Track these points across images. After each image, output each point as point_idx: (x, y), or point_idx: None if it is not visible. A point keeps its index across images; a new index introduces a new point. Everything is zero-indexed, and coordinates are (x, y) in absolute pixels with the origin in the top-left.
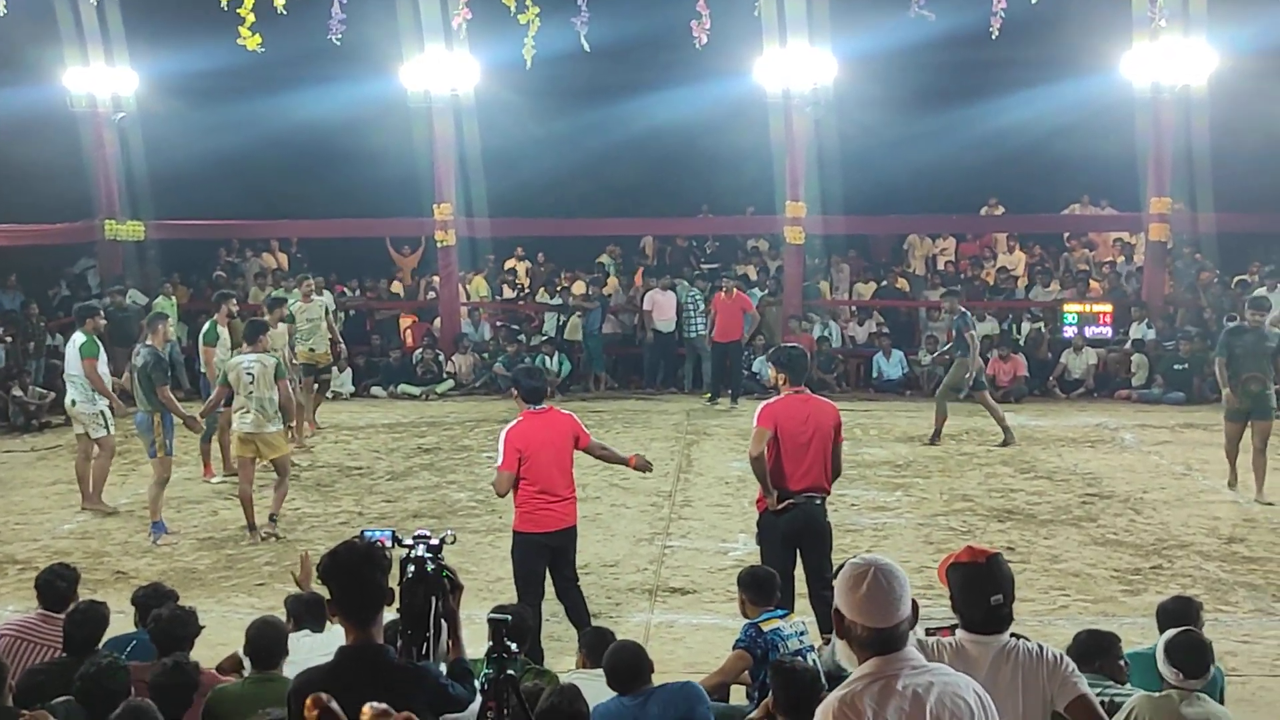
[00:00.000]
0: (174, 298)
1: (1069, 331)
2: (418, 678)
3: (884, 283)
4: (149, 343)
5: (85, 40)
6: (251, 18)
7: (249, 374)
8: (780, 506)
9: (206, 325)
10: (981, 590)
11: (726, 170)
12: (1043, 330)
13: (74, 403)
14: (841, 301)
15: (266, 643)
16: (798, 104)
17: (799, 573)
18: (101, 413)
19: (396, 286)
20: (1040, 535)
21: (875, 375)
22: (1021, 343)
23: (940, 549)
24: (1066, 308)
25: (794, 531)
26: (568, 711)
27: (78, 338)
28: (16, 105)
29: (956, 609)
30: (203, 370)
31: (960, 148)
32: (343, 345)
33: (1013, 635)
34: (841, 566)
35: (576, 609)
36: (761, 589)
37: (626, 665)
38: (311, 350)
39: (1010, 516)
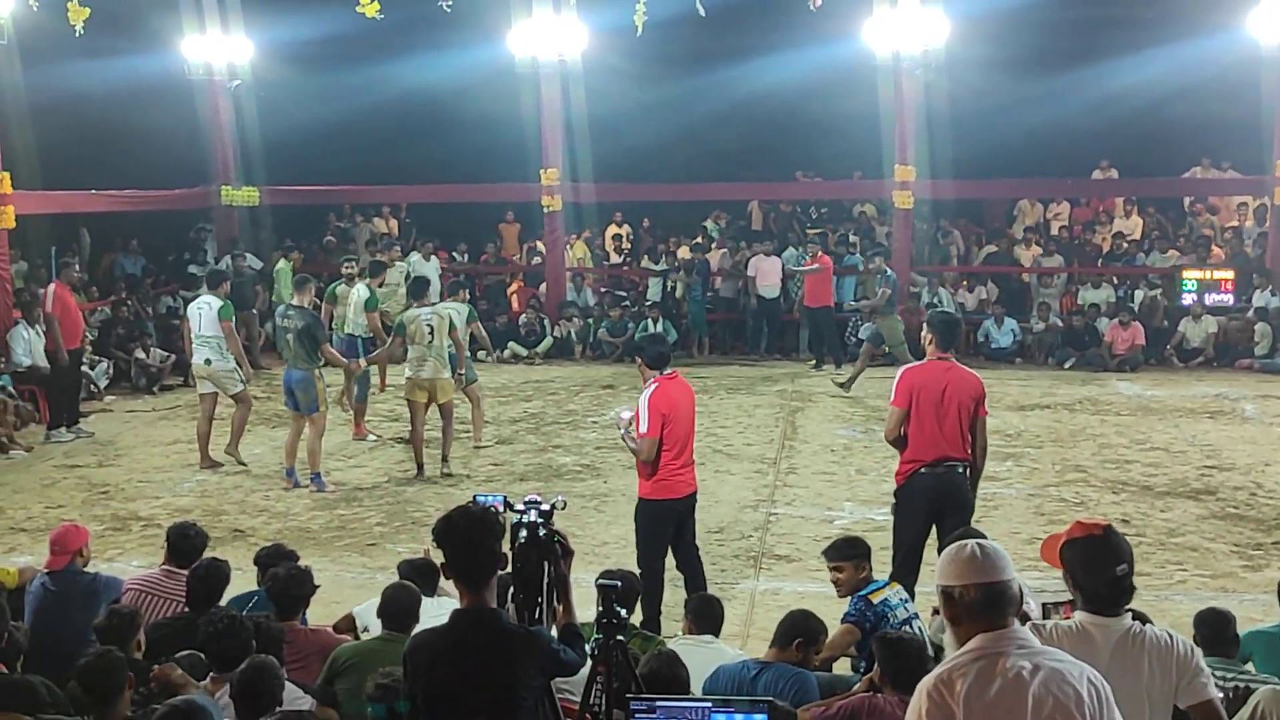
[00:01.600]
0: (292, 261)
1: (1188, 299)
2: (531, 640)
3: (996, 248)
4: (295, 303)
5: (203, 8)
6: None
7: (429, 326)
8: (921, 473)
9: (368, 293)
10: (1106, 561)
11: (833, 135)
12: (1159, 298)
13: (208, 362)
14: (948, 268)
15: (401, 606)
16: (907, 66)
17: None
18: (235, 370)
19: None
20: (1156, 508)
21: (984, 342)
22: (1136, 310)
23: (1052, 520)
24: (1186, 274)
25: (936, 502)
26: (667, 676)
27: (213, 301)
28: (137, 73)
29: (1076, 586)
30: (352, 332)
31: (1074, 110)
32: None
33: (1135, 618)
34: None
35: (696, 577)
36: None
37: (792, 624)
38: (385, 313)
39: (1125, 488)
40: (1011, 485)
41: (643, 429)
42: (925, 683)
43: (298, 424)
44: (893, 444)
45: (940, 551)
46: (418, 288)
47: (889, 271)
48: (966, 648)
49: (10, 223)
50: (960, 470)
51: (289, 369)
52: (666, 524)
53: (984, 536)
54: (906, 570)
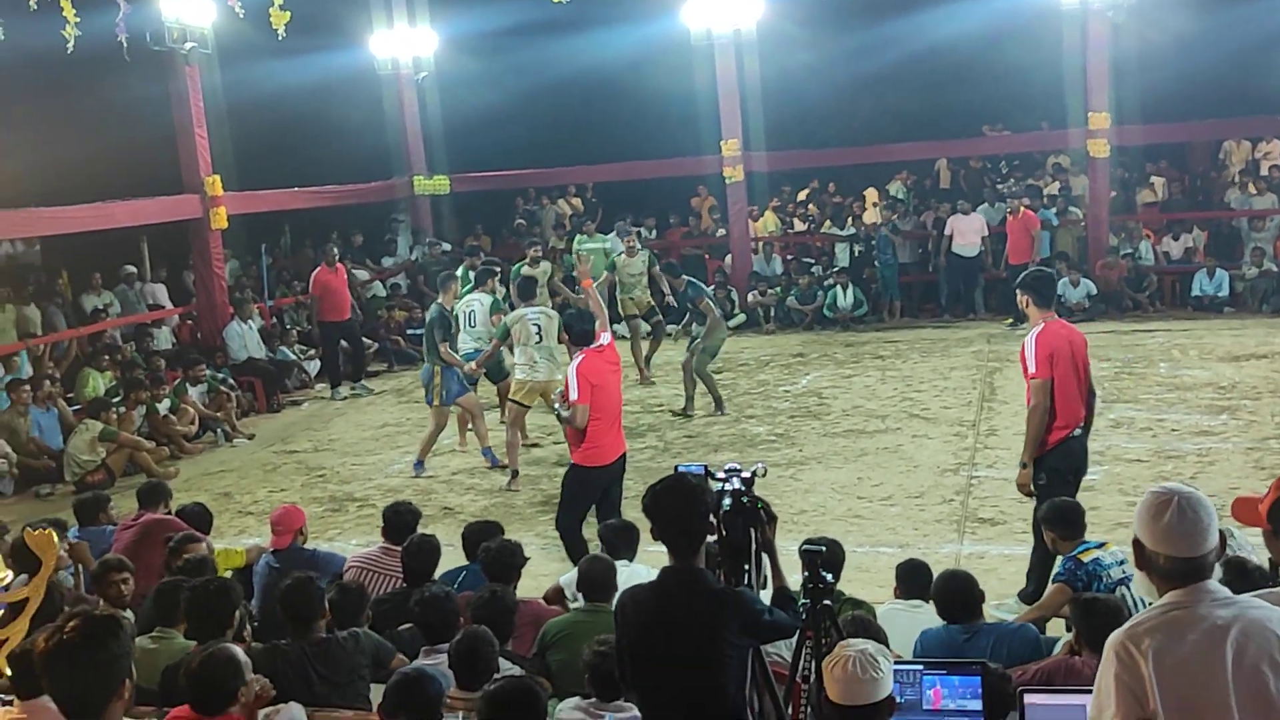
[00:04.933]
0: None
1: None
2: (733, 599)
3: (1200, 196)
4: (439, 300)
5: (391, 4)
6: None
7: (535, 326)
8: (1073, 438)
9: (491, 298)
10: None
11: (1015, 85)
12: None
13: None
14: (1149, 216)
15: (597, 577)
16: (1098, 9)
17: None
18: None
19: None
20: None
21: (1195, 293)
22: None
23: (1274, 474)
24: None
25: (1079, 466)
26: None
27: (484, 298)
28: (327, 70)
29: None
30: None
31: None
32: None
33: None
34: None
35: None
36: (1067, 523)
37: (956, 593)
38: (631, 299)
39: None
40: (1228, 439)
41: (573, 396)
42: (1114, 638)
43: (475, 411)
44: (1036, 417)
45: None
46: (526, 287)
47: (691, 281)
48: (1160, 603)
49: (223, 223)
50: (1084, 429)
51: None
52: (594, 489)
53: None
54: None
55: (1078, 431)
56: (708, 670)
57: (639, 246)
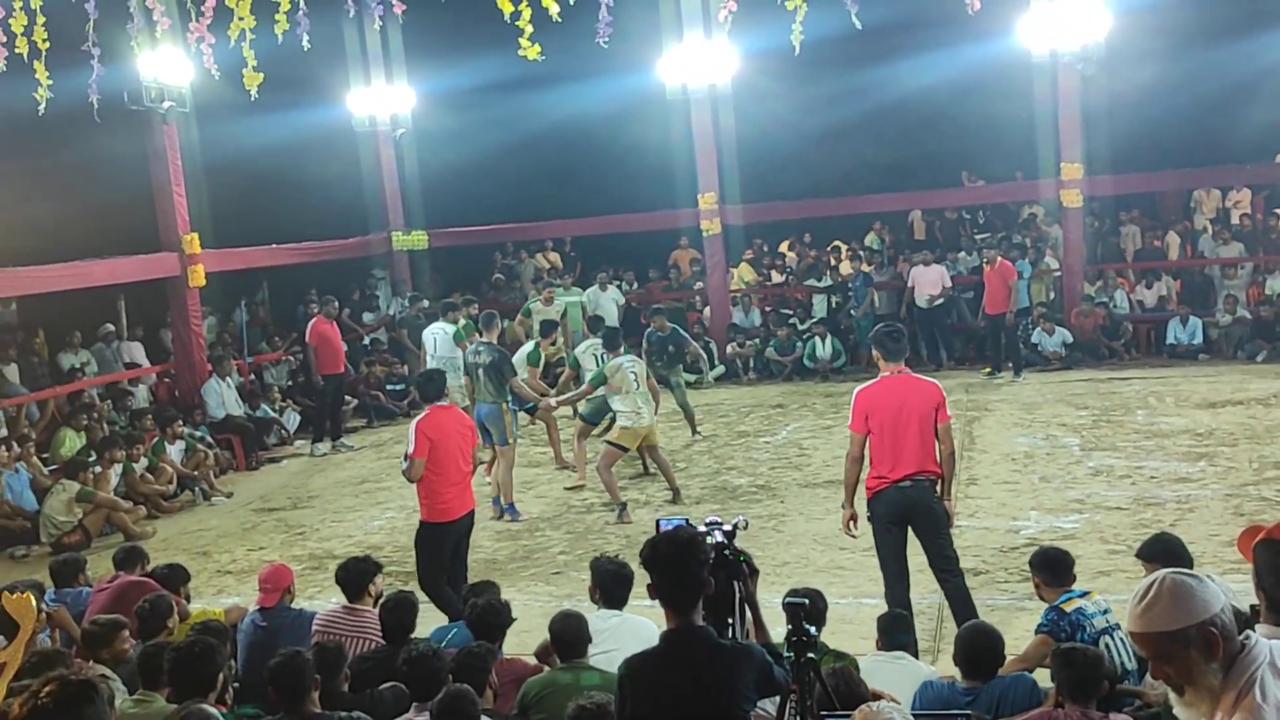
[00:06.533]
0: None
1: None
2: (746, 655)
3: (1164, 243)
4: (485, 340)
5: (368, 62)
6: (530, 29)
7: (633, 374)
8: (886, 490)
9: (531, 347)
10: None
11: (988, 136)
12: None
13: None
14: (1122, 265)
15: (569, 635)
16: (1067, 62)
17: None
18: (462, 386)
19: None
20: None
21: (1170, 341)
22: None
23: (1254, 521)
24: None
25: (901, 516)
26: (845, 693)
27: (448, 327)
28: (304, 127)
29: (1261, 589)
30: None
31: (1249, 89)
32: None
33: None
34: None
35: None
36: (1055, 569)
37: (984, 651)
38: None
39: None
40: (1207, 486)
41: (409, 449)
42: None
43: (496, 457)
44: (847, 467)
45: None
46: (612, 338)
47: (676, 328)
48: (1246, 671)
49: (201, 280)
50: (927, 483)
51: (479, 403)
52: (444, 544)
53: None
54: (894, 579)
55: (907, 483)
56: None
57: (556, 297)
